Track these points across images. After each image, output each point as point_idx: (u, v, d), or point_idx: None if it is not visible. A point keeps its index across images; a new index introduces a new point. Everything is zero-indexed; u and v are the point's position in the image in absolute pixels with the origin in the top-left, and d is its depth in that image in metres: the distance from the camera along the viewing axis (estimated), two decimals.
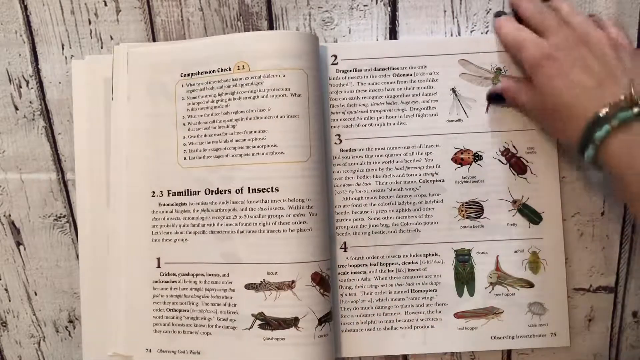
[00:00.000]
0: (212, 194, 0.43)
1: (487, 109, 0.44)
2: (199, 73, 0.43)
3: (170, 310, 0.44)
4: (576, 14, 0.40)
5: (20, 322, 0.49)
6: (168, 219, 0.44)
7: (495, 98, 0.44)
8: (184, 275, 0.44)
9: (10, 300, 0.49)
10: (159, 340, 0.44)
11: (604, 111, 0.35)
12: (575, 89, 0.37)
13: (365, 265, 0.45)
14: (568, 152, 0.44)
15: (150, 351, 0.44)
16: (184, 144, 0.43)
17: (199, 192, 0.43)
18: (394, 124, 0.44)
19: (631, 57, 0.38)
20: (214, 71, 0.42)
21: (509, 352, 0.46)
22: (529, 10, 0.41)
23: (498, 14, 0.44)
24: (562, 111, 0.38)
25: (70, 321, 0.49)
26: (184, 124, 0.43)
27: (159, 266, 0.44)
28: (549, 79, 0.38)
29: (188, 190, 0.43)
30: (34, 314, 0.49)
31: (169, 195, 0.44)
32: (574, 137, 0.38)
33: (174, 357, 0.44)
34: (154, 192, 0.44)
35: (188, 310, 0.44)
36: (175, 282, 0.44)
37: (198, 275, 0.43)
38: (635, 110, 0.35)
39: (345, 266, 0.45)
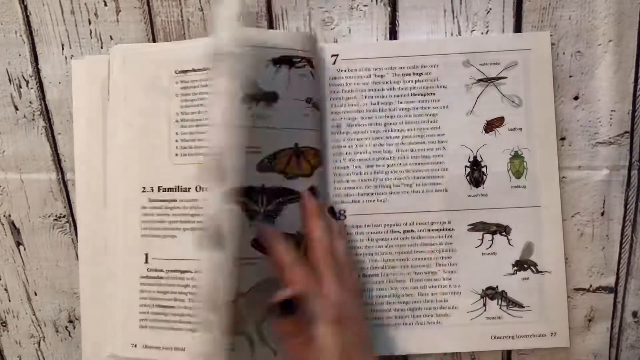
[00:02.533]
0: (202, 190, 0.42)
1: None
2: (194, 70, 0.43)
3: (156, 306, 0.43)
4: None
5: (20, 322, 0.49)
6: (157, 214, 0.43)
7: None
8: (171, 271, 0.43)
9: (10, 300, 0.49)
10: (144, 335, 0.43)
11: None
12: None
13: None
14: (568, 152, 0.44)
15: (135, 346, 0.44)
16: (176, 141, 0.43)
17: (189, 188, 0.43)
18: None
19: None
20: (209, 68, 0.42)
21: (508, 352, 0.46)
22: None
23: None
24: None
25: (70, 321, 0.49)
26: (176, 121, 0.43)
27: (147, 262, 0.44)
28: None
29: (178, 186, 0.43)
30: (34, 314, 0.49)
31: (159, 191, 0.43)
32: None
33: (158, 352, 0.43)
34: (144, 187, 0.44)
35: (174, 307, 0.43)
36: (162, 278, 0.43)
37: (185, 272, 0.43)
38: None
39: None
